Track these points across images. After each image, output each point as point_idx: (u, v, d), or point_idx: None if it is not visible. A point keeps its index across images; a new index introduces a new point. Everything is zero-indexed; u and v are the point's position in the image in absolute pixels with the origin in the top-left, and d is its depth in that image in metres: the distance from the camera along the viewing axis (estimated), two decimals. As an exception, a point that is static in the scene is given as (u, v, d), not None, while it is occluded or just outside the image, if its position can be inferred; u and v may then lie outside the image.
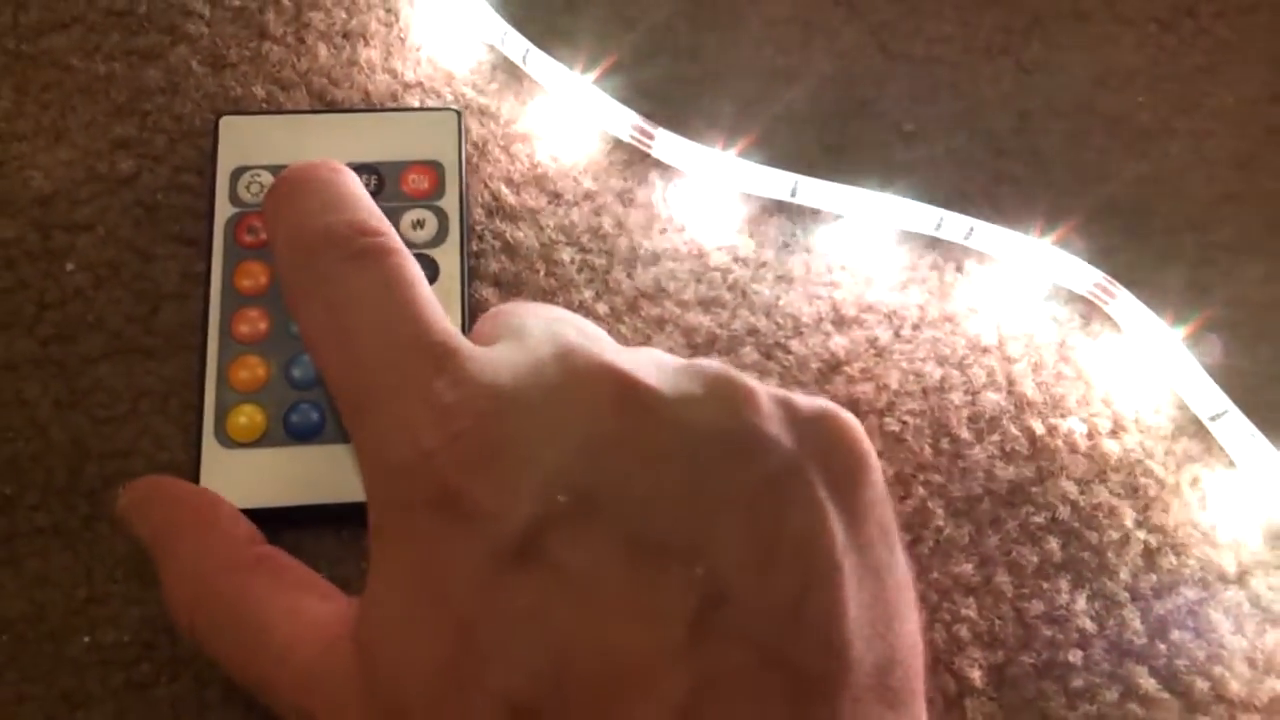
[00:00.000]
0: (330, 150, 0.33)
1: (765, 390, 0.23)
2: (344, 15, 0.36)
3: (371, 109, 0.35)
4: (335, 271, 0.24)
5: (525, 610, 0.20)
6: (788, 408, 0.23)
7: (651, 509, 0.21)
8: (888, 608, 0.22)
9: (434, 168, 0.33)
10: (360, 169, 0.32)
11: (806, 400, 0.24)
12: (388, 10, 0.37)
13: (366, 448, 0.23)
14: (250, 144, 0.33)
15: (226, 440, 0.30)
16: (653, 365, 0.23)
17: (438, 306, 0.24)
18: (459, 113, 0.33)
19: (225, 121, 0.33)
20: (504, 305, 0.27)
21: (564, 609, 0.20)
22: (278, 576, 0.25)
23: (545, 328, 0.24)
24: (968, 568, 0.31)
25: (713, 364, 0.24)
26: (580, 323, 0.25)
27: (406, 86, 0.36)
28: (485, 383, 0.22)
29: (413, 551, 0.22)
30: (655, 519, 0.21)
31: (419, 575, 0.21)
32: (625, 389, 0.22)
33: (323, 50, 0.36)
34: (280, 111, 0.35)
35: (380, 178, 0.32)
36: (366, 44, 0.36)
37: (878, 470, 0.24)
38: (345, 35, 0.36)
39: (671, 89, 0.36)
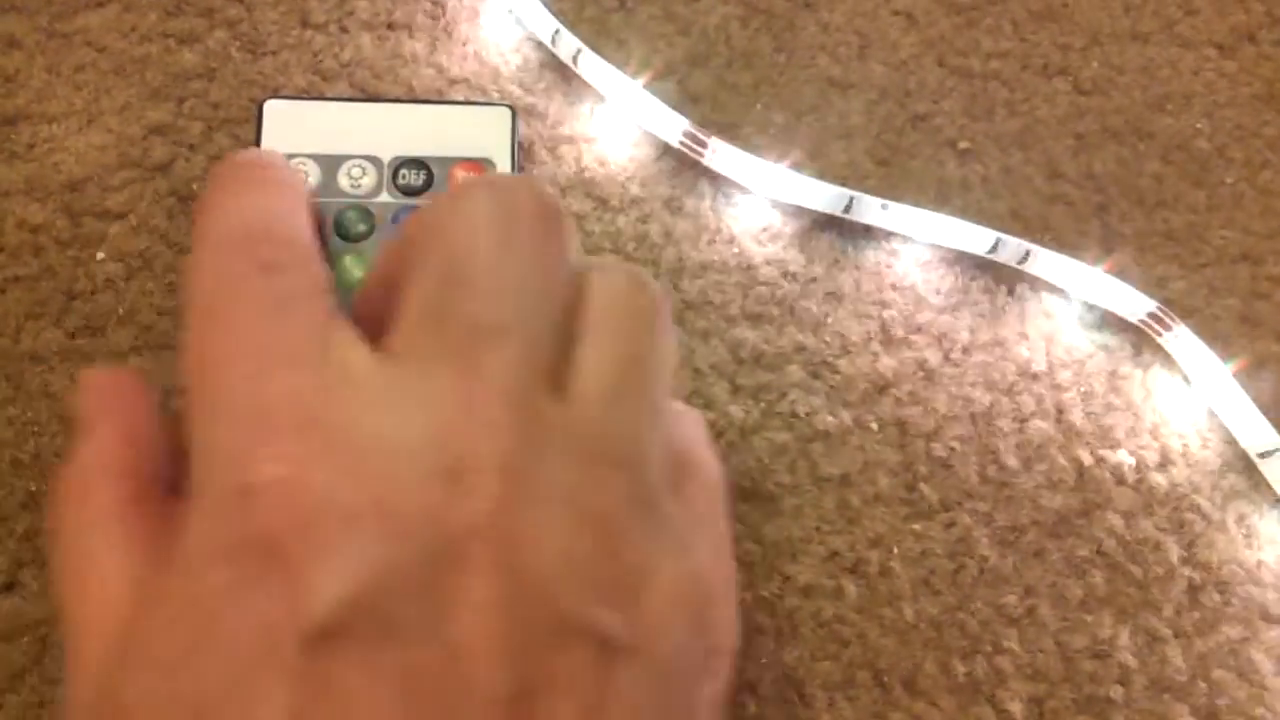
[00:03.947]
0: (378, 141, 0.32)
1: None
2: (389, 6, 0.35)
3: (422, 100, 0.34)
4: (231, 273, 0.22)
5: (272, 717, 0.18)
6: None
7: (457, 665, 0.18)
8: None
9: (485, 165, 0.32)
10: (408, 163, 0.32)
11: (678, 590, 0.21)
12: (434, 3, 0.36)
13: (195, 467, 0.20)
14: (295, 131, 0.31)
15: None
16: (554, 495, 0.20)
17: (333, 322, 0.21)
18: (513, 109, 0.32)
19: (270, 106, 0.32)
20: (445, 236, 0.22)
21: None
22: (144, 524, 0.22)
23: (456, 357, 0.20)
24: (1011, 599, 0.31)
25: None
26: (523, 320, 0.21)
27: (451, 82, 0.35)
28: (344, 419, 0.19)
29: (191, 595, 0.19)
30: (455, 675, 0.18)
31: (184, 622, 0.19)
32: (495, 532, 0.19)
33: (366, 40, 0.35)
34: (328, 98, 0.34)
35: (429, 173, 0.31)
36: (412, 36, 0.35)
37: (727, 670, 0.22)
38: (390, 26, 0.35)
39: (723, 95, 0.35)
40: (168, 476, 0.24)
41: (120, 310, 0.31)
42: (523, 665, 0.18)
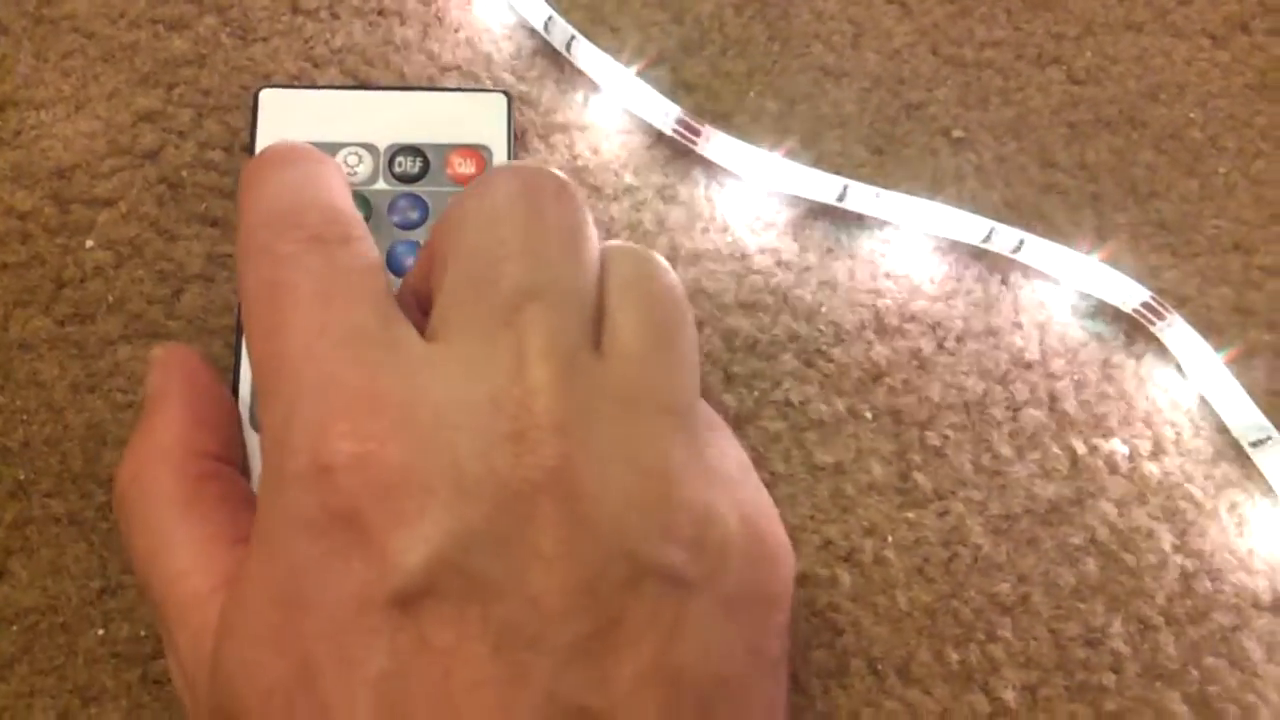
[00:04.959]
0: (374, 129, 0.31)
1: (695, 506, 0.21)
2: (381, -9, 0.35)
3: (417, 87, 0.34)
4: (286, 249, 0.22)
5: (375, 674, 0.19)
6: (704, 528, 0.21)
7: (539, 613, 0.19)
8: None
9: (481, 152, 0.32)
10: (404, 150, 0.31)
11: (736, 526, 0.22)
12: (426, -12, 0.35)
13: (269, 445, 0.21)
14: (292, 119, 0.31)
15: None
16: (611, 448, 0.20)
17: (389, 300, 0.22)
18: (509, 95, 0.32)
19: (266, 95, 0.31)
20: (475, 229, 0.23)
21: (416, 687, 0.19)
22: (210, 503, 0.24)
23: (501, 327, 0.21)
24: (1004, 587, 0.31)
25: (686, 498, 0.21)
26: (554, 303, 0.21)
27: (444, 69, 0.34)
28: (411, 395, 0.20)
29: (284, 569, 0.20)
30: (536, 622, 0.19)
31: (282, 594, 0.20)
32: (561, 486, 0.20)
33: (358, 27, 0.35)
34: (323, 86, 0.33)
35: (425, 160, 0.31)
36: (403, 23, 0.35)
37: (789, 597, 0.24)
38: (381, 13, 0.35)
39: (716, 83, 0.35)
40: (234, 451, 0.26)
41: (110, 298, 0.31)
42: (597, 607, 0.19)
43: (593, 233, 0.23)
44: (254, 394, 0.28)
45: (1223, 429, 0.33)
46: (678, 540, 0.20)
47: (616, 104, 0.34)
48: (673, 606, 0.20)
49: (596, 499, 0.20)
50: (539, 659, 0.19)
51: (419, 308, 0.24)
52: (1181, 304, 0.34)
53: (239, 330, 0.29)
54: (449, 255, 0.22)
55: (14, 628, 0.28)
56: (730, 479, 0.23)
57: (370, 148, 0.31)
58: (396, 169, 0.31)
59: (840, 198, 0.33)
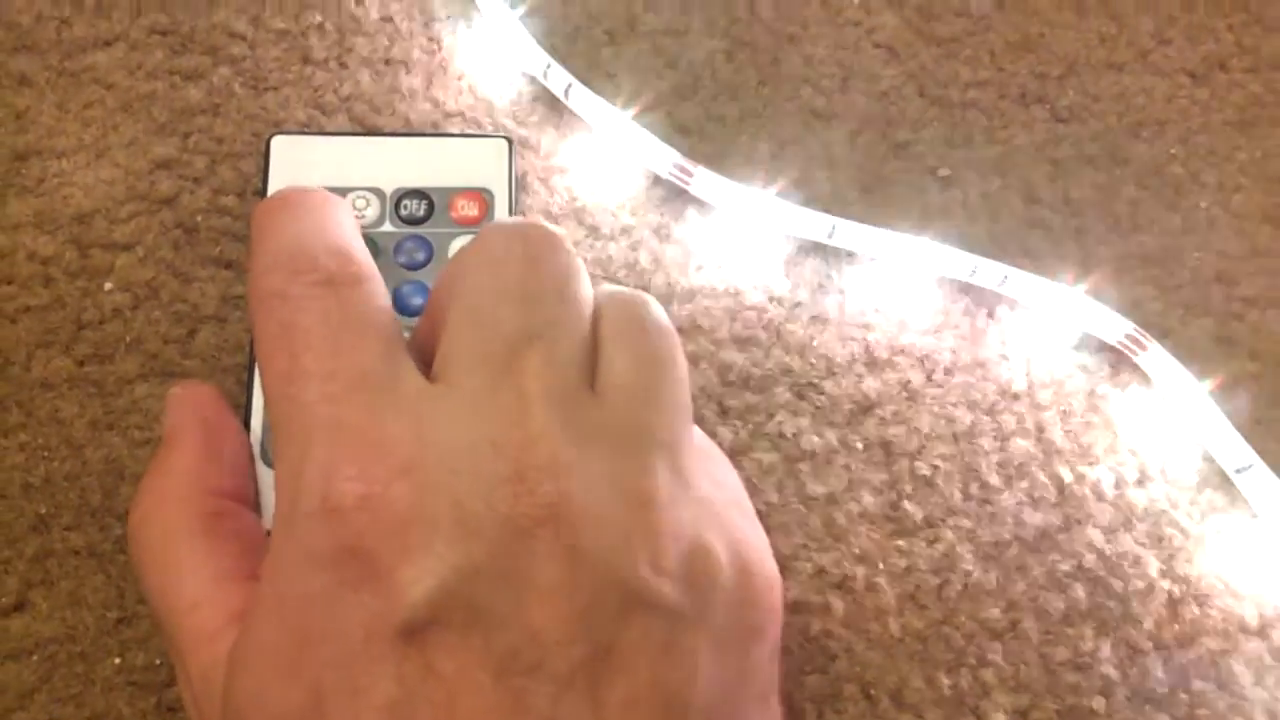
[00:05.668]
0: (381, 173, 0.33)
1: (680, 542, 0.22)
2: (386, 42, 0.37)
3: (422, 133, 0.35)
4: (298, 292, 0.23)
5: (383, 702, 0.20)
6: (698, 562, 0.22)
7: (538, 642, 0.20)
8: None
9: (484, 195, 0.33)
10: (410, 194, 0.33)
11: (725, 557, 0.23)
12: (430, 39, 0.37)
13: (282, 484, 0.22)
14: (302, 165, 0.33)
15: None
16: (604, 483, 0.21)
17: (398, 343, 0.23)
18: (510, 140, 0.33)
19: (277, 141, 0.33)
20: (468, 291, 0.24)
21: (422, 713, 0.20)
22: (221, 539, 0.25)
23: (502, 369, 0.22)
24: (994, 612, 0.31)
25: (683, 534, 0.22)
26: (545, 349, 0.22)
27: (447, 115, 0.36)
28: (416, 438, 0.21)
29: (295, 601, 0.21)
30: (535, 650, 0.20)
31: (293, 626, 0.21)
32: (557, 522, 0.21)
33: (365, 76, 0.36)
34: (332, 133, 0.35)
35: (430, 203, 0.33)
36: (409, 71, 0.36)
37: (777, 628, 0.24)
38: (387, 62, 0.36)
39: (709, 126, 0.37)
40: (246, 487, 0.27)
41: (128, 339, 0.32)
42: (591, 636, 0.20)
43: (585, 277, 0.24)
44: (265, 429, 0.30)
45: (1207, 457, 0.34)
46: (666, 572, 0.21)
47: (613, 147, 0.36)
48: (662, 635, 0.21)
49: (591, 533, 0.21)
50: (538, 686, 0.20)
51: (424, 361, 0.25)
52: (1165, 335, 0.35)
53: (251, 368, 0.30)
54: (450, 302, 0.24)
55: (34, 657, 0.29)
56: (721, 510, 0.24)
57: (377, 191, 0.33)
58: (403, 212, 0.33)
59: (830, 235, 0.34)
